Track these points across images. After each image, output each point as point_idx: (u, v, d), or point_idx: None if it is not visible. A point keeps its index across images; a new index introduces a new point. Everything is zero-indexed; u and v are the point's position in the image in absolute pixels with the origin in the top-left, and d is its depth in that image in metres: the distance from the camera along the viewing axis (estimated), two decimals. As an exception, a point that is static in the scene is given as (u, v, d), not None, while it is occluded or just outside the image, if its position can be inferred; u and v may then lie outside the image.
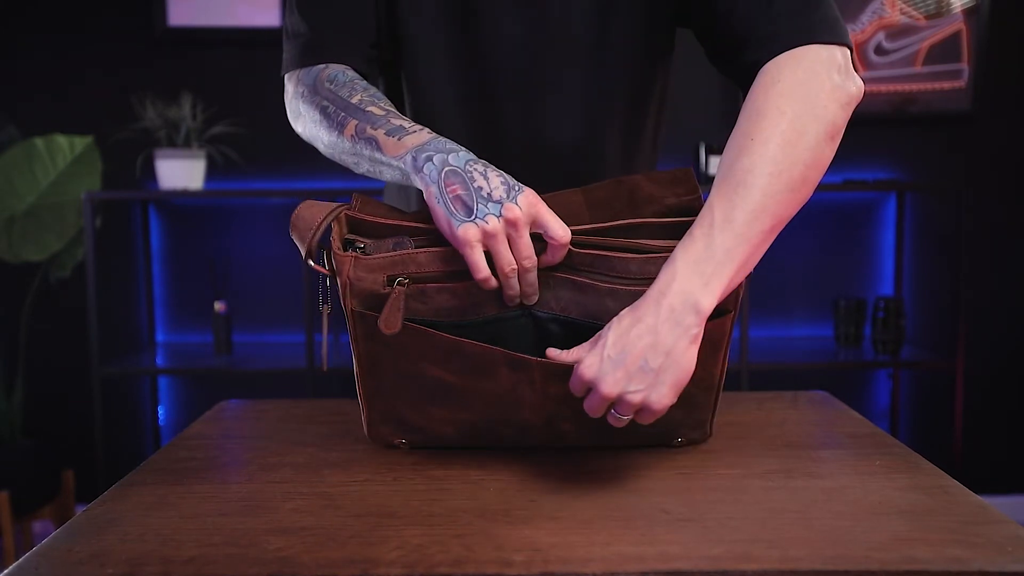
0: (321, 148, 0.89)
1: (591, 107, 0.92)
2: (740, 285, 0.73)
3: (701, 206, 0.78)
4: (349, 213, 0.75)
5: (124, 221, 2.52)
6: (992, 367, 2.59)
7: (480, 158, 0.77)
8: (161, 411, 2.59)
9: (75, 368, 2.51)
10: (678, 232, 0.74)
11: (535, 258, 0.73)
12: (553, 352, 0.73)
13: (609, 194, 0.80)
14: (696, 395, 0.77)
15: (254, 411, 1.01)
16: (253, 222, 2.52)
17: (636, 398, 0.68)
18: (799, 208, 0.74)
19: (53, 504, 2.37)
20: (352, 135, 0.82)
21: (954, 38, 2.45)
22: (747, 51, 0.81)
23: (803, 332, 2.58)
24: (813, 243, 2.54)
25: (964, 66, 2.46)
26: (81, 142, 2.34)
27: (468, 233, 0.71)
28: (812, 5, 0.80)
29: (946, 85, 2.46)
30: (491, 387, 0.75)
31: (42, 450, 2.38)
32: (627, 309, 0.70)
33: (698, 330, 0.69)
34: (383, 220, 0.75)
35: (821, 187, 2.37)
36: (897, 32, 2.45)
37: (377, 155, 0.80)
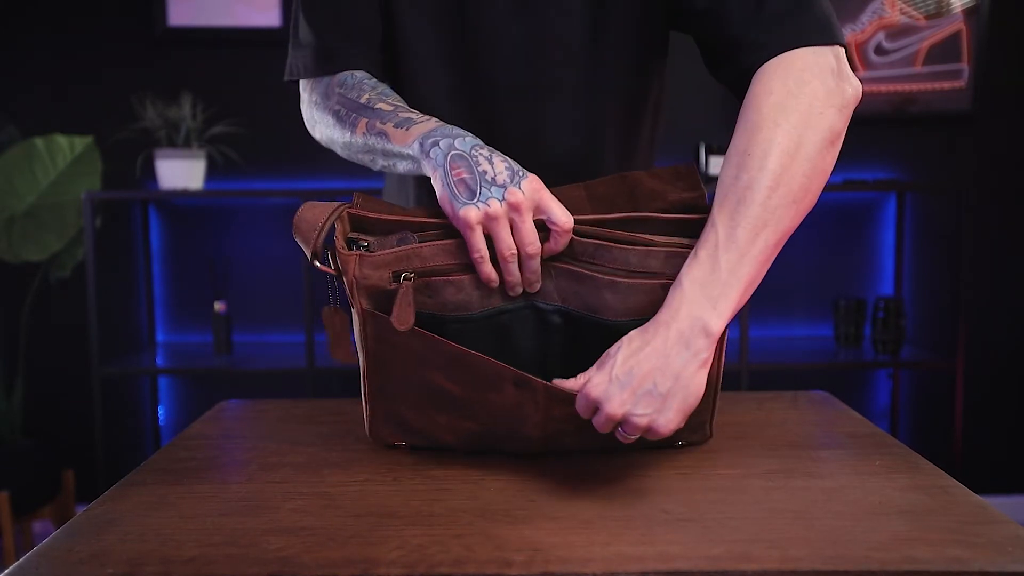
0: (339, 151, 0.91)
1: (588, 111, 0.92)
2: None
3: (705, 203, 0.78)
4: (351, 211, 0.75)
5: (124, 221, 2.52)
6: (992, 367, 2.59)
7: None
8: (161, 411, 2.59)
9: (75, 368, 2.51)
10: (681, 228, 0.74)
11: (538, 244, 0.73)
12: (559, 381, 0.73)
13: (611, 189, 0.80)
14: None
15: (254, 411, 1.01)
16: (253, 222, 2.52)
17: (642, 421, 0.67)
18: (803, 217, 0.73)
19: (53, 504, 2.37)
20: (364, 132, 0.84)
21: (954, 38, 2.45)
22: (738, 58, 0.80)
23: (803, 332, 2.58)
24: (813, 243, 2.54)
25: (964, 66, 2.46)
26: (81, 142, 2.34)
27: (469, 214, 0.72)
28: (803, 6, 0.78)
29: (946, 85, 2.46)
30: (496, 401, 0.74)
31: (42, 450, 2.38)
32: (636, 330, 0.70)
33: (707, 354, 0.68)
34: (386, 216, 0.75)
35: (821, 187, 2.37)
36: (897, 32, 2.45)
37: (389, 147, 0.82)
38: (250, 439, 0.89)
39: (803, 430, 0.89)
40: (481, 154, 0.75)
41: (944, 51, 2.45)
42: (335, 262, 0.74)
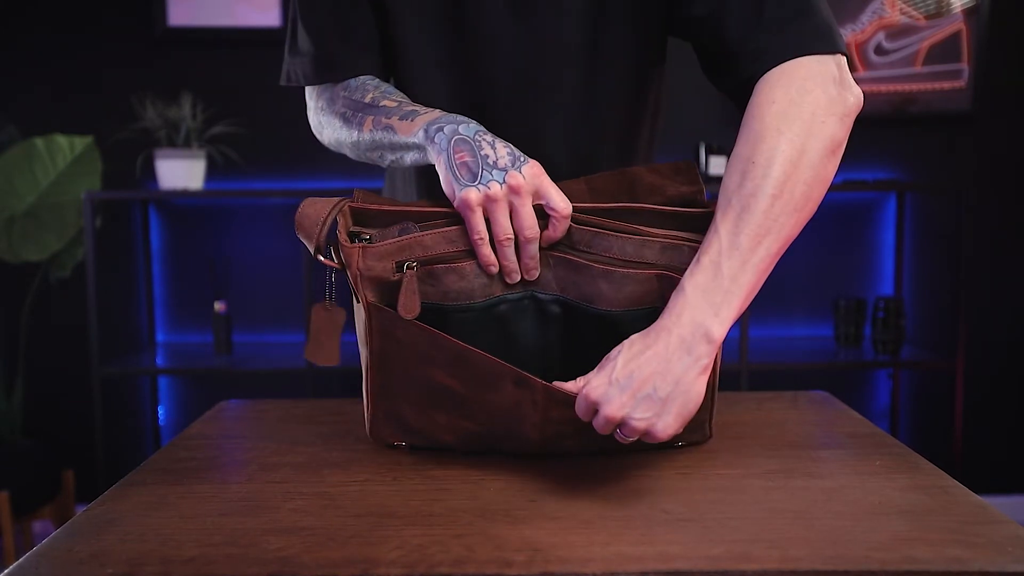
0: (348, 152, 0.92)
1: (587, 113, 0.92)
2: None
3: (703, 198, 0.78)
4: (353, 205, 0.76)
5: (124, 221, 2.52)
6: (992, 367, 2.59)
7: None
8: (161, 411, 2.59)
9: (75, 368, 2.51)
10: (678, 221, 0.75)
11: (537, 229, 0.74)
12: (559, 383, 0.73)
13: (611, 184, 0.80)
14: None
15: (254, 411, 1.01)
16: (253, 222, 2.52)
17: (641, 425, 0.67)
18: (804, 226, 0.73)
19: (53, 504, 2.37)
20: (371, 128, 0.85)
21: (954, 38, 2.45)
22: (739, 67, 0.80)
23: (803, 332, 2.58)
24: (813, 243, 2.54)
25: (964, 66, 2.46)
26: (81, 142, 2.34)
27: (470, 196, 0.73)
28: (804, 14, 0.78)
29: (946, 85, 2.46)
30: (495, 401, 0.74)
31: (42, 450, 2.38)
32: (638, 335, 0.70)
33: (708, 360, 0.68)
34: (388, 208, 0.76)
35: (821, 187, 2.37)
36: (897, 32, 2.45)
37: (395, 139, 0.83)
38: (250, 439, 0.89)
39: (803, 430, 0.89)
40: (484, 139, 0.76)
41: (944, 51, 2.45)
42: (338, 257, 0.74)
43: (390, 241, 0.73)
